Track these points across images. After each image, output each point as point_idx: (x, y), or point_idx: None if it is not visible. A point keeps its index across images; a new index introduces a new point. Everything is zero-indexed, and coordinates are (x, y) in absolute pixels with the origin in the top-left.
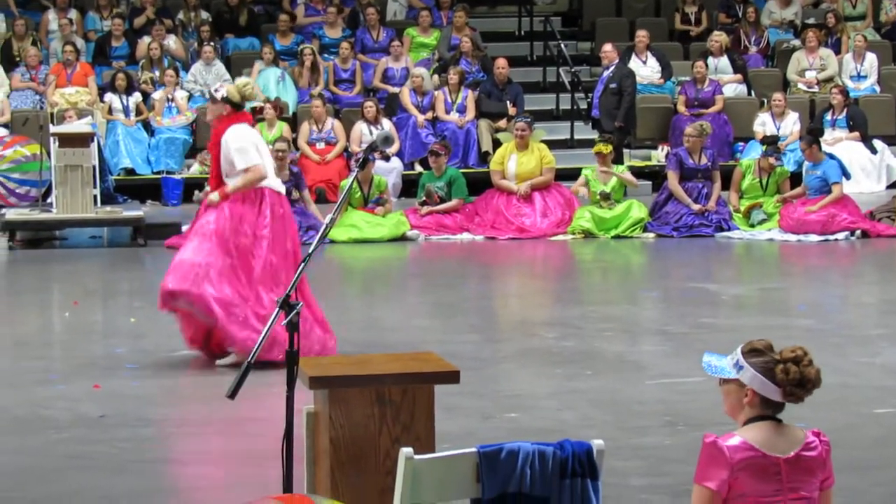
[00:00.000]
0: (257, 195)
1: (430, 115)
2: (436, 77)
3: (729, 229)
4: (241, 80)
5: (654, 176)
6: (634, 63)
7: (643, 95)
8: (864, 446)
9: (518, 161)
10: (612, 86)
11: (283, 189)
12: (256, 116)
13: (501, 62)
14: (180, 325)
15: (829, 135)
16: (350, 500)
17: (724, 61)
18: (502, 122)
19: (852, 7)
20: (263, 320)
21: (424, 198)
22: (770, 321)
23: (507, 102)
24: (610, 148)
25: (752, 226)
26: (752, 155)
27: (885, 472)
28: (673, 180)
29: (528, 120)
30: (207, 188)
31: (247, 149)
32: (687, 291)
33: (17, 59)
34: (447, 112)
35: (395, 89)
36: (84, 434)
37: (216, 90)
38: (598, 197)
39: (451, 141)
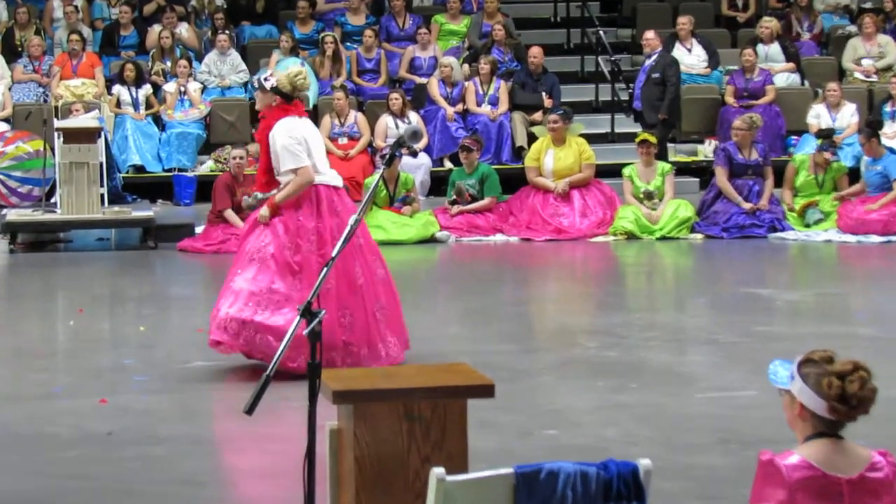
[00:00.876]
0: (311, 196)
1: (459, 107)
2: (466, 67)
3: (782, 230)
4: (292, 69)
5: (701, 172)
6: (678, 51)
7: (688, 86)
8: None
9: (555, 157)
10: (655, 76)
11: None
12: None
13: (536, 50)
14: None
15: (888, 127)
16: None
17: (774, 48)
18: (537, 115)
19: None
20: (348, 328)
21: (455, 196)
22: (828, 329)
23: (543, 94)
24: (655, 139)
25: (808, 226)
26: (806, 149)
27: None
28: (721, 177)
29: (563, 112)
30: (258, 195)
31: (294, 148)
32: (738, 297)
33: (20, 49)
34: (478, 104)
35: (423, 80)
36: (90, 452)
37: (266, 79)
38: (641, 195)
39: (483, 135)
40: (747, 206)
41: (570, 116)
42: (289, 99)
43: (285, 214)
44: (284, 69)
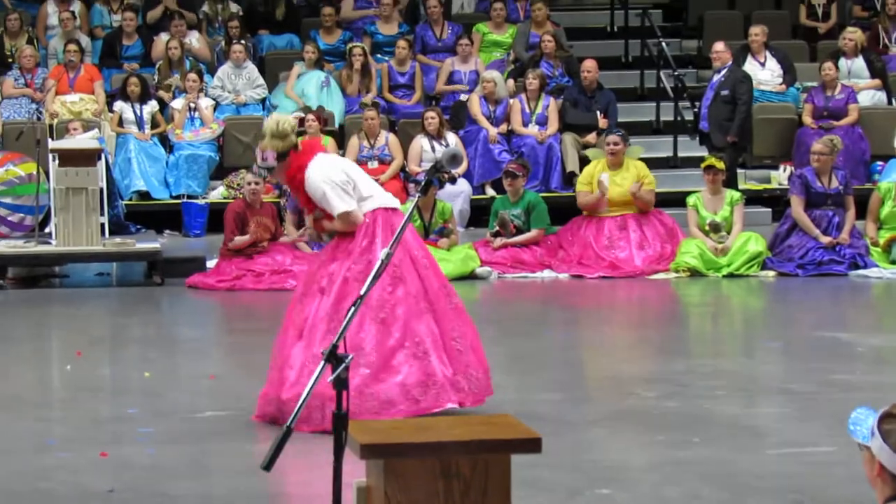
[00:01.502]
0: (369, 223)
1: (504, 127)
2: (511, 82)
3: (865, 266)
4: (268, 124)
5: (775, 202)
6: (750, 65)
7: (761, 104)
8: None
9: (611, 181)
10: (724, 93)
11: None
12: (297, 129)
13: (590, 64)
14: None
15: None
16: None
17: (858, 63)
18: (591, 137)
19: None
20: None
21: (497, 227)
22: None
23: (597, 113)
24: (723, 164)
25: (894, 262)
26: (892, 176)
27: None
28: (797, 207)
29: (622, 134)
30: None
31: (334, 193)
32: (814, 342)
33: (10, 60)
34: (524, 124)
35: (463, 97)
36: None
37: (263, 159)
38: (706, 227)
39: (530, 159)
40: (826, 239)
41: (628, 139)
42: (296, 147)
43: (348, 250)
44: (272, 121)
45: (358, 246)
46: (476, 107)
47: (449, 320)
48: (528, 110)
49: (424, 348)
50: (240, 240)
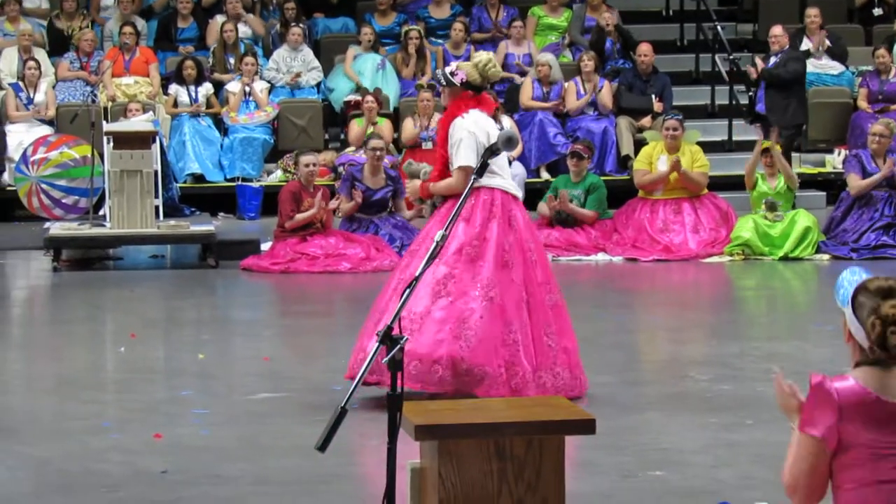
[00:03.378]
0: (487, 200)
1: (557, 103)
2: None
3: None
4: (481, 57)
5: (829, 185)
6: (806, 48)
7: (816, 88)
8: None
9: (668, 163)
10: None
11: (518, 192)
12: (352, 112)
13: (645, 48)
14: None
15: None
16: None
17: None
18: (646, 120)
19: None
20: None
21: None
22: None
23: (653, 97)
24: (779, 148)
25: None
26: None
27: None
28: (856, 181)
29: (680, 118)
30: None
31: (469, 145)
32: None
33: (71, 42)
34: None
35: (519, 79)
36: (143, 493)
37: (453, 73)
38: (763, 206)
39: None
40: (889, 163)
41: (684, 122)
42: (479, 91)
43: (466, 225)
44: (487, 57)
45: (472, 216)
46: (528, 93)
47: (545, 315)
48: (583, 92)
49: (515, 337)
50: (301, 216)
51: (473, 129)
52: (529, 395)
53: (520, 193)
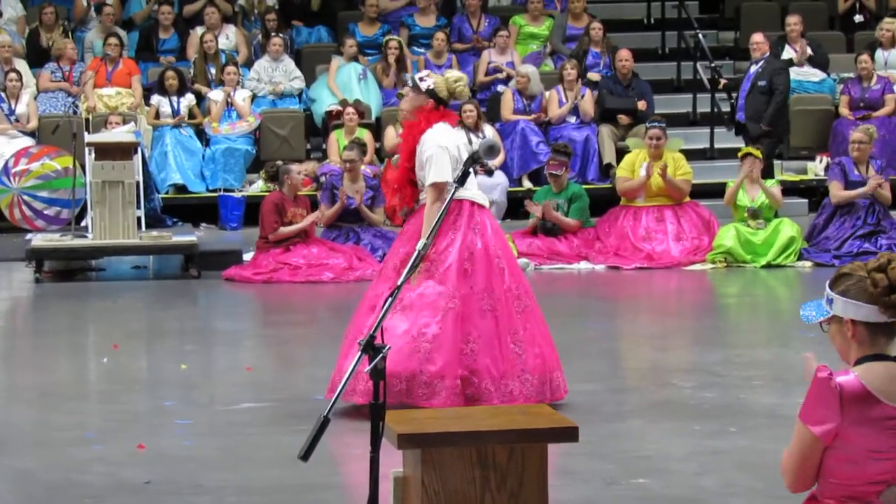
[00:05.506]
0: (454, 213)
1: (539, 115)
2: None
3: None
4: (452, 74)
5: (811, 193)
6: (787, 56)
7: (798, 96)
8: None
9: (653, 170)
10: (762, 83)
11: (484, 200)
12: (332, 123)
13: (625, 54)
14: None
15: None
16: None
17: (894, 54)
18: (624, 119)
19: None
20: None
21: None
22: None
23: (635, 99)
24: (760, 153)
25: None
26: None
27: None
28: (838, 191)
29: (664, 126)
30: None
31: (442, 161)
32: None
33: (51, 53)
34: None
35: (501, 88)
36: None
37: (421, 79)
38: (744, 214)
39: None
40: (871, 184)
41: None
42: (441, 104)
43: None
44: (457, 73)
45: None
46: (509, 103)
47: (511, 321)
48: (565, 100)
49: (474, 347)
50: (286, 230)
51: (445, 142)
52: (492, 404)
53: (486, 202)
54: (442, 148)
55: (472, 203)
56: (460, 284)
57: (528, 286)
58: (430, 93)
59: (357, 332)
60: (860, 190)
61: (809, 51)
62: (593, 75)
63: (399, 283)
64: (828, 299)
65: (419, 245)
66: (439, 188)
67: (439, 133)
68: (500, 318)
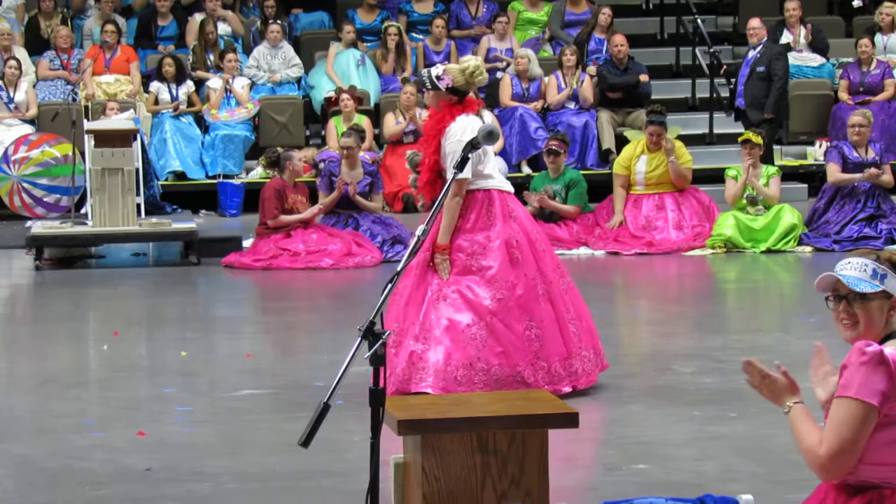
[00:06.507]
0: (484, 202)
1: (538, 104)
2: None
3: None
4: (469, 63)
5: (811, 178)
6: (786, 40)
7: (797, 80)
8: None
9: (648, 162)
10: (760, 69)
11: (510, 188)
12: (331, 109)
13: (619, 39)
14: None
15: None
16: None
17: (894, 39)
18: (616, 94)
19: None
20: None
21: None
22: None
23: (638, 76)
24: (760, 139)
25: None
26: None
27: None
28: (835, 173)
29: (663, 122)
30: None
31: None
32: None
33: (47, 41)
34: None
35: (500, 74)
36: (126, 490)
37: (439, 77)
38: (744, 201)
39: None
40: (868, 172)
41: (666, 122)
42: (463, 95)
43: (463, 230)
44: (475, 60)
45: (468, 221)
46: (507, 89)
47: (564, 302)
48: (564, 86)
49: (537, 332)
50: (288, 218)
51: (466, 138)
52: (561, 388)
53: (511, 188)
54: (462, 143)
55: (500, 191)
56: (514, 272)
57: (563, 264)
58: (451, 90)
59: (389, 325)
60: (857, 175)
61: (811, 36)
62: (591, 69)
63: (399, 269)
64: (880, 275)
65: (417, 230)
66: (461, 183)
67: (461, 127)
68: (556, 300)
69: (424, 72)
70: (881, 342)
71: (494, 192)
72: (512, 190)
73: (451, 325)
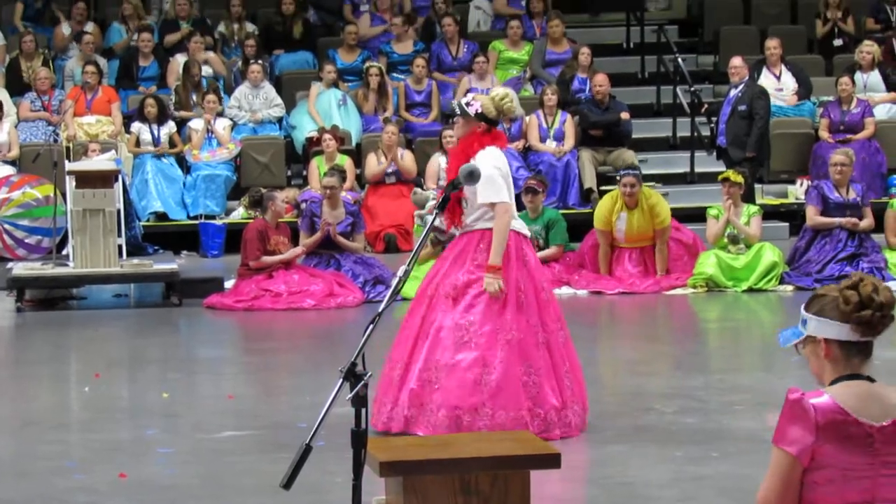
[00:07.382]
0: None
1: (520, 144)
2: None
3: (884, 280)
4: (498, 91)
5: (792, 216)
6: (766, 79)
7: (778, 119)
8: None
9: (628, 221)
10: (742, 108)
11: (526, 230)
12: (313, 149)
13: (600, 78)
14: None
15: None
16: None
17: (874, 77)
18: (597, 133)
19: None
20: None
21: None
22: None
23: (619, 113)
24: (740, 178)
25: None
26: None
27: None
28: (814, 216)
29: (637, 174)
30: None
31: (498, 180)
32: None
33: (27, 82)
34: (542, 140)
35: None
36: None
37: (468, 104)
38: (725, 240)
39: (548, 176)
40: (847, 220)
41: (641, 177)
42: (493, 125)
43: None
44: (505, 91)
45: (484, 256)
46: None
47: (561, 353)
48: (545, 126)
49: (535, 379)
50: (270, 259)
51: (499, 164)
52: (554, 436)
53: (528, 232)
54: (496, 168)
55: (517, 233)
56: (518, 317)
57: (563, 316)
58: (480, 116)
59: (394, 363)
60: (836, 220)
61: (791, 79)
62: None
63: (380, 310)
64: (803, 321)
65: (399, 271)
66: (505, 207)
67: (493, 155)
68: (553, 351)
69: (454, 101)
70: (832, 383)
71: (512, 233)
72: (528, 234)
73: (457, 366)
